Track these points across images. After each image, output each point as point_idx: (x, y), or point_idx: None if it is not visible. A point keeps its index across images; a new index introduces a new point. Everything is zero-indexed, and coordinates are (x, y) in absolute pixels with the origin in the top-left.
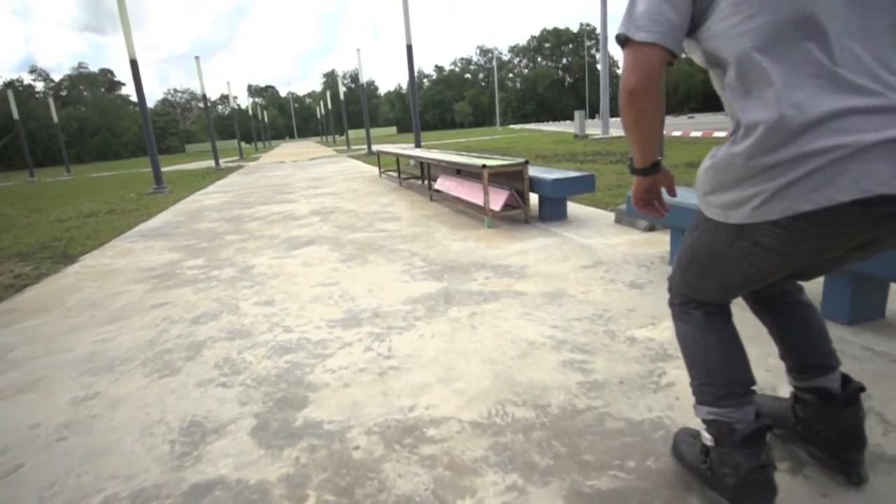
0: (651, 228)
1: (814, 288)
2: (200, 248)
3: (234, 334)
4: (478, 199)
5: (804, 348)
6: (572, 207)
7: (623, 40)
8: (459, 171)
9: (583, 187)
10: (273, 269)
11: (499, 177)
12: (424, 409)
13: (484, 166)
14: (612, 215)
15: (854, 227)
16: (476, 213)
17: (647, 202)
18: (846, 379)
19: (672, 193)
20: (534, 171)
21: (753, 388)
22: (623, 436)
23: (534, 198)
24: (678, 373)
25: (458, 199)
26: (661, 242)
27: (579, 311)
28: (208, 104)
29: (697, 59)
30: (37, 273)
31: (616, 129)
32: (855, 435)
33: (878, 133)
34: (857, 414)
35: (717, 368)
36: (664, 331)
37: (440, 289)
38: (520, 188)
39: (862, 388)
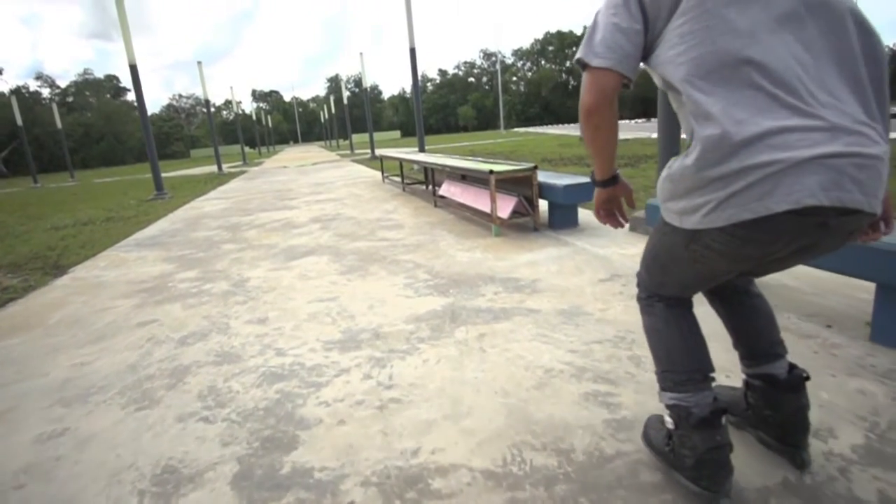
0: None
1: (863, 308)
2: (195, 259)
3: (222, 358)
4: (484, 205)
5: (753, 336)
6: (583, 214)
7: (582, 64)
8: (464, 177)
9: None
10: (268, 283)
11: (506, 182)
12: (430, 453)
13: (491, 172)
14: (626, 223)
15: (790, 234)
16: (482, 221)
17: (609, 212)
18: (792, 367)
19: (631, 205)
20: (543, 177)
21: (712, 375)
22: (661, 492)
23: (543, 204)
24: None
25: (463, 206)
26: None
27: (599, 333)
28: (211, 109)
29: (656, 81)
30: (25, 286)
31: (623, 132)
32: (799, 419)
33: (810, 150)
34: (801, 400)
35: (677, 356)
36: None
37: (446, 305)
38: (528, 194)
39: (807, 377)
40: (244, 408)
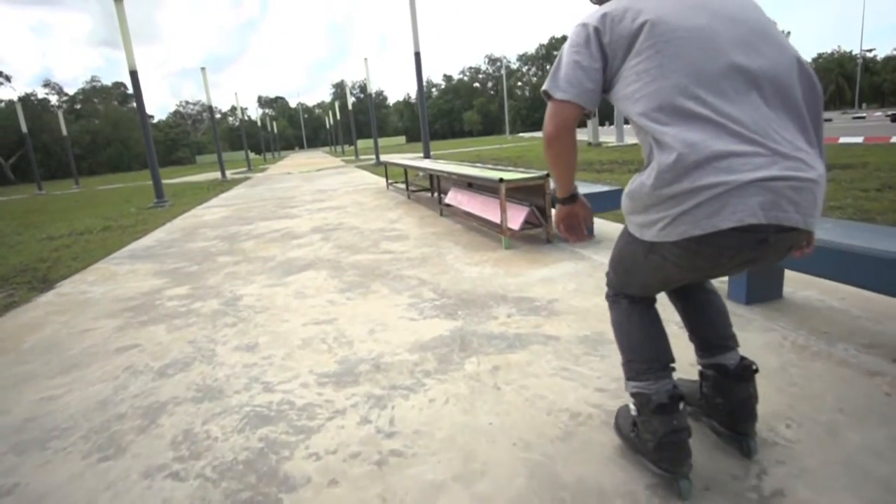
0: None
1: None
2: (187, 274)
3: (204, 393)
4: (493, 215)
5: (706, 328)
6: (598, 224)
7: (547, 96)
8: (471, 184)
9: (612, 203)
10: (262, 302)
11: (517, 191)
12: None
13: (501, 180)
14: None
15: (735, 249)
16: (491, 232)
17: (569, 227)
18: (742, 359)
19: (589, 223)
20: None
21: (672, 365)
22: None
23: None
24: (785, 471)
25: (470, 215)
26: None
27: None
28: (215, 116)
29: (619, 110)
30: (7, 302)
31: (631, 136)
32: (746, 408)
33: (752, 174)
34: (749, 389)
35: (638, 346)
36: None
37: (454, 330)
38: (541, 204)
39: (755, 369)
40: (222, 460)
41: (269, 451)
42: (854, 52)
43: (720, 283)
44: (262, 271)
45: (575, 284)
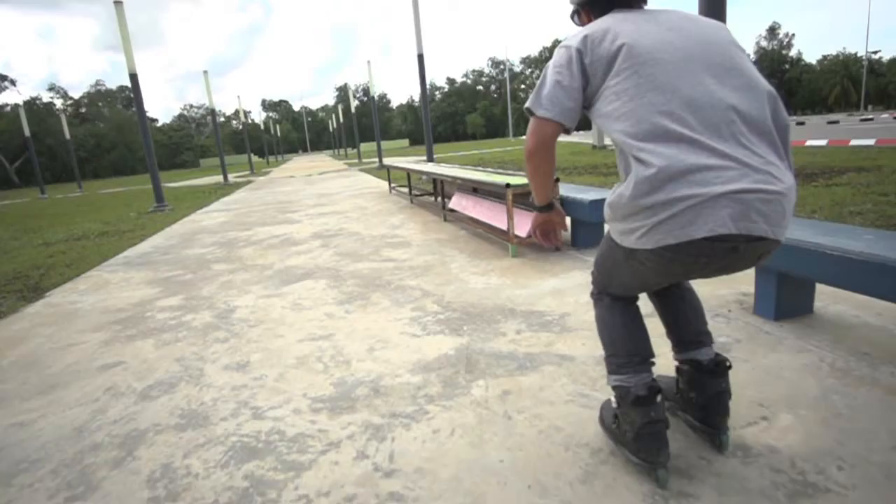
0: None
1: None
2: (182, 282)
3: (187, 420)
4: (500, 221)
5: (682, 325)
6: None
7: (530, 112)
8: (476, 189)
9: None
10: (256, 314)
11: (524, 197)
12: None
13: (508, 185)
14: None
15: (707, 257)
16: (497, 239)
17: (544, 232)
18: (717, 355)
19: (564, 228)
20: (565, 190)
21: (652, 360)
22: None
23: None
24: None
25: (475, 221)
26: (732, 279)
27: None
28: (218, 119)
29: (599, 126)
30: None
31: None
32: (719, 402)
33: (723, 186)
34: (722, 384)
35: (619, 341)
36: (789, 433)
37: (460, 348)
38: None
39: (729, 365)
40: (202, 501)
41: (253, 492)
42: (859, 54)
43: (746, 297)
44: (258, 280)
45: (588, 296)
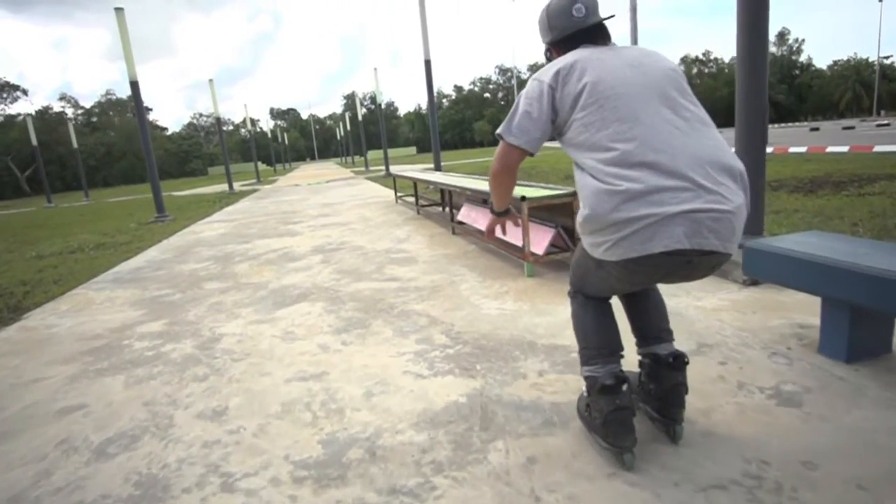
0: (754, 282)
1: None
2: (168, 304)
3: (143, 490)
4: (513, 236)
5: (644, 321)
6: None
7: (500, 137)
8: (487, 201)
9: None
10: (243, 345)
11: (541, 210)
12: None
13: (523, 198)
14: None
15: (665, 268)
16: (511, 255)
17: (491, 231)
18: (676, 350)
19: (516, 224)
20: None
21: (620, 353)
22: None
23: None
24: None
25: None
26: (781, 307)
27: (716, 467)
28: (226, 127)
29: (570, 154)
30: None
31: None
32: (676, 395)
33: (678, 206)
34: (679, 378)
35: (590, 335)
36: None
37: (472, 394)
38: (568, 225)
39: (686, 361)
40: None
41: None
42: (871, 59)
43: (804, 331)
44: (250, 302)
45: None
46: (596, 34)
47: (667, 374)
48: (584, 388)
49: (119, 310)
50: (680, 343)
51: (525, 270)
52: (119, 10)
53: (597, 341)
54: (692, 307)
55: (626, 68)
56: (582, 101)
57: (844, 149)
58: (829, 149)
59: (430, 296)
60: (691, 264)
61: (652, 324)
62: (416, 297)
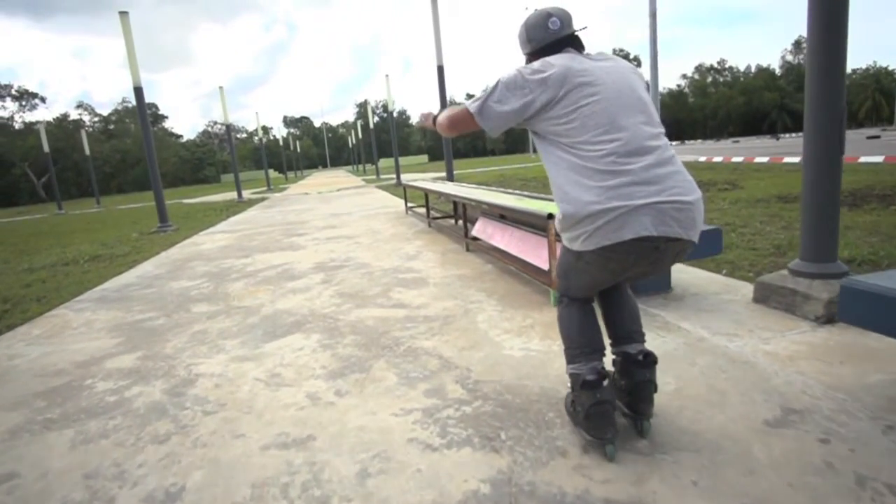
0: (828, 319)
1: None
2: (148, 330)
3: None
4: (535, 257)
5: (618, 322)
6: (680, 273)
7: (468, 111)
8: (504, 215)
9: (706, 248)
10: (220, 391)
11: None
12: None
13: (550, 216)
14: (744, 287)
15: (636, 254)
16: (533, 278)
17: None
18: (646, 349)
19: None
20: None
21: (602, 351)
22: None
23: None
24: None
25: (503, 253)
26: (874, 356)
27: None
28: (236, 135)
29: (544, 148)
30: None
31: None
32: (644, 391)
33: (645, 199)
34: (647, 374)
35: (574, 335)
36: None
37: (497, 480)
38: None
39: (655, 359)
40: None
41: None
42: (891, 67)
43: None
44: (238, 332)
45: (673, 379)
46: (570, 45)
47: (636, 371)
48: (568, 385)
49: (94, 337)
50: (759, 406)
51: (551, 299)
52: (123, 13)
53: (580, 341)
54: (761, 353)
55: (602, 73)
56: (560, 96)
57: (879, 159)
58: (862, 159)
59: (441, 329)
60: (659, 250)
61: (624, 325)
62: (426, 331)
